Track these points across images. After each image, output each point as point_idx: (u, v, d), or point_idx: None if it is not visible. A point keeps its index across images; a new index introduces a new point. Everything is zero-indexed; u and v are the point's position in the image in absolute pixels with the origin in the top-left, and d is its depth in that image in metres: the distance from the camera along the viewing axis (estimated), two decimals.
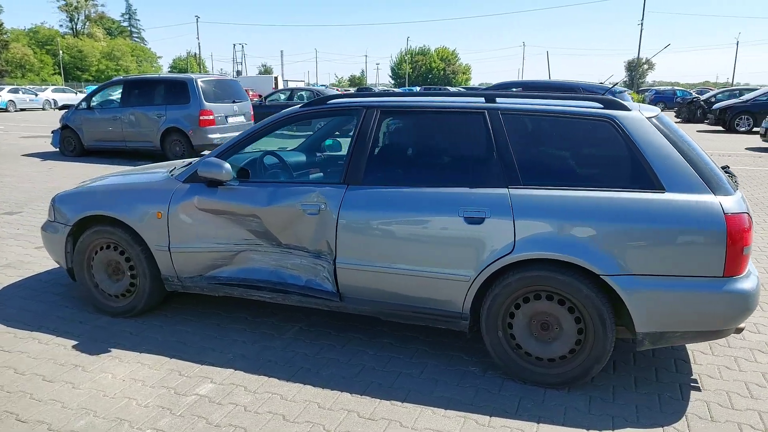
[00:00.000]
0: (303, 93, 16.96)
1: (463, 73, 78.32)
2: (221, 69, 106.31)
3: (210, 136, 10.45)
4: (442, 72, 76.04)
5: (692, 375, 3.01)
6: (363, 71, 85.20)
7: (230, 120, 10.92)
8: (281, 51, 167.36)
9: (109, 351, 3.24)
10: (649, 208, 2.60)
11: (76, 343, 3.33)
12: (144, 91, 10.86)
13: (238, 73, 77.61)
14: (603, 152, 2.81)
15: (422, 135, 3.13)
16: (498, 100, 3.02)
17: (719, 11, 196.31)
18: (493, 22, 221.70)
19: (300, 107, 3.38)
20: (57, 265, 4.70)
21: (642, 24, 38.83)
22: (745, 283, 2.56)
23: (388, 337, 3.41)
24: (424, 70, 76.81)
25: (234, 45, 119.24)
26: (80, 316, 3.71)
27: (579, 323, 2.75)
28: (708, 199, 2.57)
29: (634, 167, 2.71)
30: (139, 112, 10.74)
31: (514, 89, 9.20)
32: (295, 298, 3.26)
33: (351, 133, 3.19)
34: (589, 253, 2.63)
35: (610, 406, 2.71)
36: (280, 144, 4.24)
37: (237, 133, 10.54)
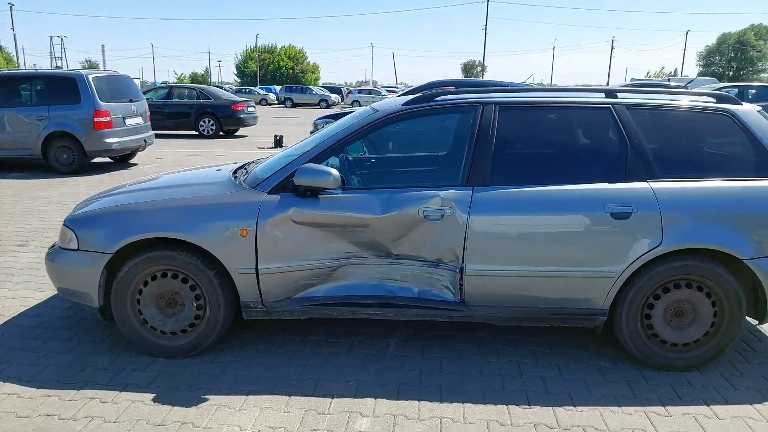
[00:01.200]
0: (185, 92, 15.59)
1: (312, 72, 78.03)
2: (34, 64, 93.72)
3: (107, 140, 9.17)
4: (291, 71, 75.07)
5: None
6: (207, 68, 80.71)
7: (128, 121, 9.68)
8: (102, 45, 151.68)
9: (206, 399, 2.70)
10: None
11: (155, 395, 2.73)
12: (16, 88, 9.20)
13: (58, 68, 69.22)
14: (726, 143, 2.99)
15: (546, 131, 3.07)
16: (619, 95, 3.07)
17: (539, 18, 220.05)
18: (341, 22, 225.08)
19: (404, 105, 3.11)
20: (28, 305, 3.81)
21: (486, 29, 42.14)
22: None
23: (497, 343, 3.29)
24: (272, 69, 75.18)
25: (51, 38, 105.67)
26: (127, 362, 3.05)
27: (714, 307, 2.90)
28: None
29: (757, 157, 2.92)
30: (11, 114, 9.06)
31: (445, 87, 9.40)
32: (411, 312, 3.00)
33: (467, 132, 3.02)
34: (733, 240, 2.80)
35: (743, 379, 2.91)
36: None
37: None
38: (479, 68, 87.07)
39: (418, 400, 2.70)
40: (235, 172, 3.51)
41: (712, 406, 2.66)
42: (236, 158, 11.19)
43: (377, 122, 3.09)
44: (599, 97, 3.06)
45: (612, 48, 67.15)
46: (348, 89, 43.94)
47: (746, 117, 2.98)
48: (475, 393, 2.77)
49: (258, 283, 2.99)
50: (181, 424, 2.51)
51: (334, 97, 39.96)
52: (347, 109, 11.20)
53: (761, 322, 2.97)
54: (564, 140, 3.06)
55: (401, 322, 3.51)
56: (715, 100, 3.07)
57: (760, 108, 3.12)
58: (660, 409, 2.64)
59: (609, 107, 3.01)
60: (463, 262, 2.92)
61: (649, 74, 78.45)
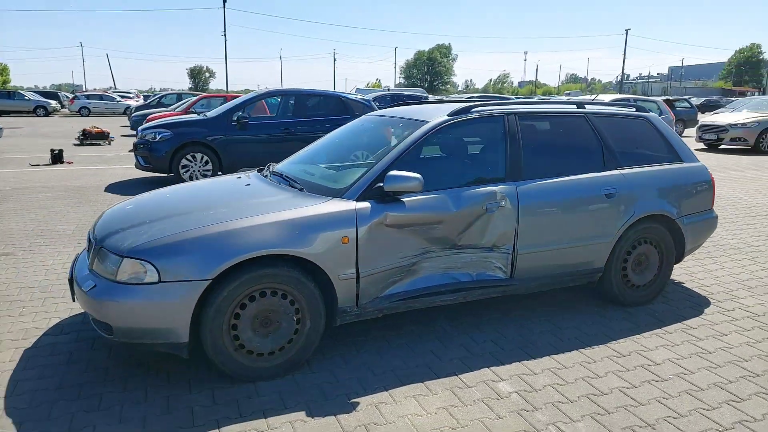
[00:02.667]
0: None
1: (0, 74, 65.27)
2: None
3: None
4: None
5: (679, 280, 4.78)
6: None
7: None
8: None
9: (357, 402, 2.79)
10: (685, 173, 4.17)
11: (305, 411, 2.69)
12: None
13: None
14: (647, 140, 4.20)
15: (547, 134, 3.84)
16: (586, 106, 4.04)
17: (269, 28, 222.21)
18: (38, 19, 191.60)
19: (449, 116, 3.54)
20: (31, 337, 3.09)
21: (225, 35, 41.52)
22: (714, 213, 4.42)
23: (521, 310, 3.98)
24: None
25: None
26: (230, 394, 2.84)
27: (659, 255, 4.11)
28: (700, 164, 4.31)
29: (667, 149, 4.21)
30: None
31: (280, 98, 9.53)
32: (476, 293, 3.50)
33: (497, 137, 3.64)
34: (668, 207, 4.02)
35: (676, 303, 4.19)
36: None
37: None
38: (207, 74, 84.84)
39: (519, 361, 3.24)
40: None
41: (683, 322, 3.83)
42: (7, 177, 9.44)
43: (434, 130, 3.48)
44: (573, 108, 4.00)
45: (334, 60, 72.57)
46: (71, 95, 38.49)
47: (655, 120, 4.27)
48: (548, 347, 3.43)
49: (357, 286, 3.12)
50: (364, 425, 2.59)
51: (54, 103, 34.70)
52: (185, 116, 10.44)
53: (677, 261, 4.30)
54: (559, 141, 3.91)
55: (433, 308, 3.92)
56: (635, 109, 4.29)
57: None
58: (659, 330, 3.70)
59: (584, 115, 3.98)
60: (515, 243, 3.53)
61: (369, 84, 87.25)
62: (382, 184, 3.17)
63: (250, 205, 3.15)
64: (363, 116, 4.53)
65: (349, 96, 9.83)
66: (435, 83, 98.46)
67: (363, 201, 3.16)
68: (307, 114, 9.31)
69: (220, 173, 8.94)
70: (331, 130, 5.59)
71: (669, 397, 2.88)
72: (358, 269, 3.10)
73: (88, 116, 32.67)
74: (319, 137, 4.58)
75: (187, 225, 2.93)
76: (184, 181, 8.76)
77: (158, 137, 8.69)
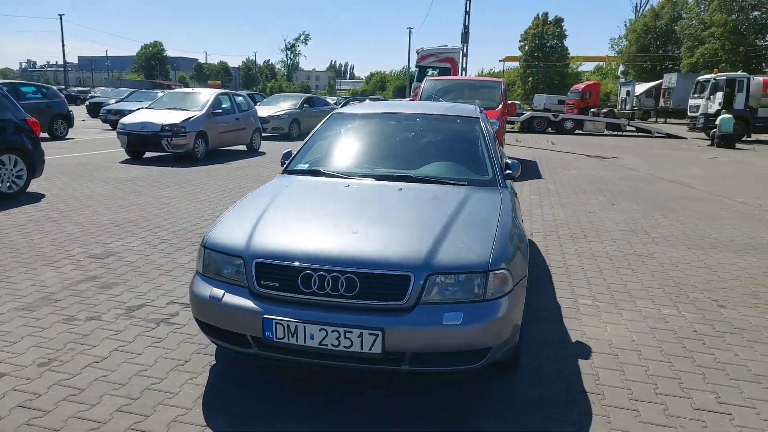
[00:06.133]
0: None
1: None
2: None
3: None
4: None
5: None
6: None
7: None
8: None
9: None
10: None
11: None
12: None
13: None
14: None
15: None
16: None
17: None
18: None
19: (480, 114, 4.20)
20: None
21: None
22: None
23: None
24: None
25: None
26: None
27: None
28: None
29: None
30: None
31: None
32: None
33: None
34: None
35: None
36: None
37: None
38: None
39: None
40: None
41: (564, 257, 5.84)
42: None
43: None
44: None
45: None
46: None
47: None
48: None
49: None
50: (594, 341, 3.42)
51: None
52: None
53: None
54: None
55: None
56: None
57: None
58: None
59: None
60: None
61: None
62: (510, 171, 3.76)
63: (465, 208, 3.07)
64: (339, 116, 4.39)
65: None
66: None
67: (506, 186, 3.66)
68: None
69: None
70: None
71: None
72: None
73: None
74: None
75: (488, 228, 2.83)
76: None
77: None
